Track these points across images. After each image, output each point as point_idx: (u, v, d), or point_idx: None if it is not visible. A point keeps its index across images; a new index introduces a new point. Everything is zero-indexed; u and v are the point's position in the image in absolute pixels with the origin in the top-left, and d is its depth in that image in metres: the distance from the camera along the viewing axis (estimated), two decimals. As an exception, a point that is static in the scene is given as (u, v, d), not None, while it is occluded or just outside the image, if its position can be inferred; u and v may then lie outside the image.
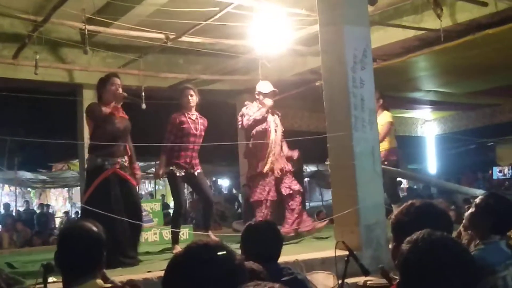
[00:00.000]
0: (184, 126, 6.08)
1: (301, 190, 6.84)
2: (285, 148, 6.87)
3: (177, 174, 6.05)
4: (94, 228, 2.56)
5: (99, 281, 2.51)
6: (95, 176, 5.28)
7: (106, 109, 5.33)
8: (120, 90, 5.42)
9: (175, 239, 6.16)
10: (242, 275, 1.68)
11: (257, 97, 6.74)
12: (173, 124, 6.09)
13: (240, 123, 6.70)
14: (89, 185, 5.30)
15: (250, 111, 6.60)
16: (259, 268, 2.41)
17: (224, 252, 1.67)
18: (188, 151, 6.10)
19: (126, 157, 5.49)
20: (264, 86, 6.71)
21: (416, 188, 17.85)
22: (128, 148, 5.57)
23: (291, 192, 6.60)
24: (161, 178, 6.37)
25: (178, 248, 5.98)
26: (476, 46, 8.10)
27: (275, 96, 6.78)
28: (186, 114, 6.15)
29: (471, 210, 2.95)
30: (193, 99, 6.19)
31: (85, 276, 2.44)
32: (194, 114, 6.22)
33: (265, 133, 6.56)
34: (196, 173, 6.17)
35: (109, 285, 2.55)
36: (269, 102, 6.62)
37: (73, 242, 2.51)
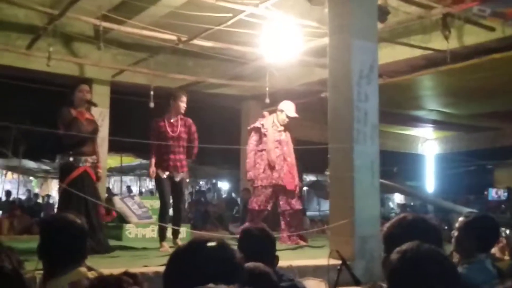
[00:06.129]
0: (161, 130, 6.27)
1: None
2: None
3: (161, 176, 6.26)
4: (77, 220, 2.67)
5: (83, 270, 2.59)
6: (68, 172, 5.74)
7: (73, 113, 5.84)
8: (88, 96, 6.02)
9: (162, 236, 6.35)
10: (241, 273, 1.75)
11: (278, 113, 7.13)
12: (153, 129, 6.31)
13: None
14: (63, 181, 5.75)
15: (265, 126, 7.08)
16: (266, 269, 2.43)
17: (225, 249, 1.75)
18: (170, 154, 6.26)
19: (95, 156, 5.97)
20: (290, 108, 7.12)
21: (412, 205, 17.87)
22: (96, 148, 6.07)
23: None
24: (152, 178, 6.72)
25: (165, 245, 6.19)
26: (481, 69, 8.21)
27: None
28: (165, 118, 6.33)
29: (456, 233, 2.99)
30: (184, 105, 6.40)
31: (69, 266, 2.54)
32: (174, 118, 6.37)
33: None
34: (176, 180, 6.33)
35: (93, 273, 2.61)
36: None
37: (57, 234, 2.60)
